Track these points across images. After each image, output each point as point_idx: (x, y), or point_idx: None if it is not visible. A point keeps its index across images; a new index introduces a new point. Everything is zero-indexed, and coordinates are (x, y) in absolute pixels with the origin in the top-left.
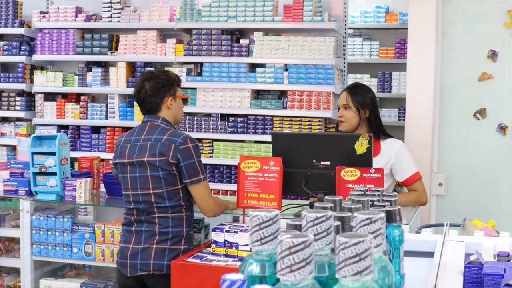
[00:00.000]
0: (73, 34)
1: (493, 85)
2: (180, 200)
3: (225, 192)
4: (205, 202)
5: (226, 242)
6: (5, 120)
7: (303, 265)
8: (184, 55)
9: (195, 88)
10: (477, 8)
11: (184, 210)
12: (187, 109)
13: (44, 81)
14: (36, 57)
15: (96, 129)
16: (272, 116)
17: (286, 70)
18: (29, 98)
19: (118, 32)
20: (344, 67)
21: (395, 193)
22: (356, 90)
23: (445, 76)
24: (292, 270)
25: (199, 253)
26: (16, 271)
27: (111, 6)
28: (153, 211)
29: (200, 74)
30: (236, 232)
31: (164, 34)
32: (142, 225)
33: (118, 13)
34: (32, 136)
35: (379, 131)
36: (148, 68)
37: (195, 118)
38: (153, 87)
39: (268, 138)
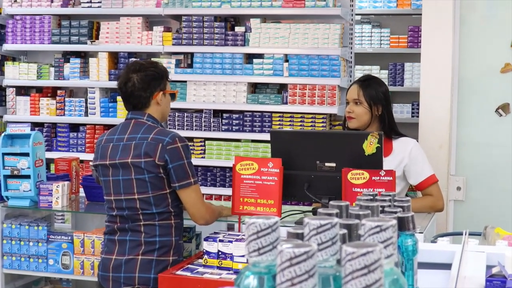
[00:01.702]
0: (49, 21)
1: None
2: (168, 206)
3: (219, 197)
4: (196, 208)
5: (220, 253)
6: None
7: (306, 278)
8: (173, 44)
9: (185, 81)
10: None
11: (173, 217)
12: (176, 104)
13: (16, 73)
14: (7, 47)
15: (74, 127)
16: (271, 112)
17: (287, 61)
18: None
19: (98, 18)
20: (351, 57)
21: (408, 198)
22: (369, 83)
23: (464, 67)
24: (293, 283)
25: (189, 265)
26: None
27: None
28: (138, 218)
29: (190, 66)
30: (231, 241)
31: (150, 21)
32: (126, 233)
33: None
34: (2, 134)
35: (391, 130)
36: (133, 59)
37: (185, 114)
38: (143, 80)
39: (267, 136)
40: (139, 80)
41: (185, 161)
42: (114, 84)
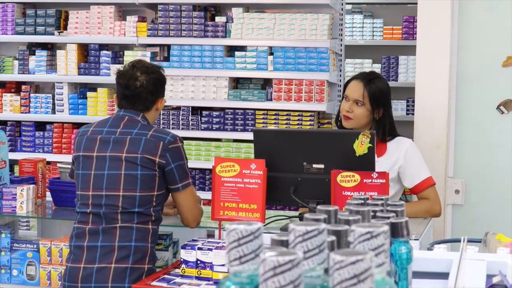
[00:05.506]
0: (12, 10)
1: None
2: (150, 208)
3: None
4: (190, 211)
5: (199, 262)
6: None
7: None
8: (148, 35)
9: None
10: None
11: (151, 222)
12: None
13: None
14: None
15: (40, 125)
16: (254, 109)
17: (271, 54)
18: None
19: (67, 7)
20: (341, 50)
21: (402, 202)
22: (375, 84)
23: (463, 61)
24: None
25: (166, 275)
26: None
27: None
28: (115, 218)
29: (167, 59)
30: (210, 249)
31: (123, 10)
32: (97, 238)
33: None
34: None
35: (389, 134)
36: (105, 51)
37: (161, 112)
38: (153, 83)
39: (250, 136)
40: (150, 83)
41: (185, 161)
42: (83, 79)
